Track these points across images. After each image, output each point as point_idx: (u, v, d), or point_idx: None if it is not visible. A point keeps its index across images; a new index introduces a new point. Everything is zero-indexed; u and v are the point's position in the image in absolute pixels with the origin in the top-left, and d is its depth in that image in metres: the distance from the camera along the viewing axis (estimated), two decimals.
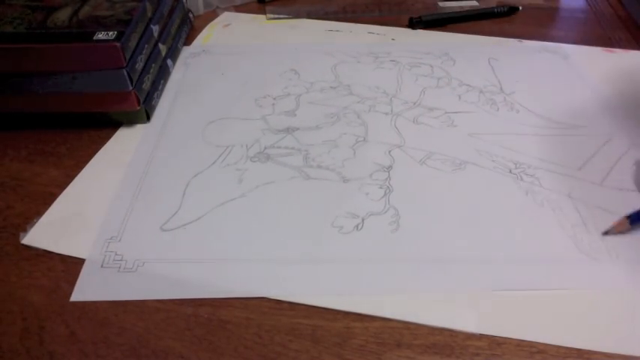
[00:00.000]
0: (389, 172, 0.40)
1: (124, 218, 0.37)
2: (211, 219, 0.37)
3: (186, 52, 0.58)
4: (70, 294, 0.32)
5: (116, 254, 0.34)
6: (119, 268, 0.33)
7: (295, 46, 0.59)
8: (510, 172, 0.40)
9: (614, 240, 0.34)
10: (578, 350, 0.28)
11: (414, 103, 0.48)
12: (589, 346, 0.28)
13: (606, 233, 0.35)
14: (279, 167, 0.41)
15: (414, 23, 0.61)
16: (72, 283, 0.32)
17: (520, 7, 0.65)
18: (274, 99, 0.50)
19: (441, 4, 0.68)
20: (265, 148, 0.43)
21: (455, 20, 0.62)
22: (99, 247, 0.35)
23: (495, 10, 0.63)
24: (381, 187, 0.39)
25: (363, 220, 0.36)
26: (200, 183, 0.40)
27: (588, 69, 0.54)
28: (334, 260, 0.33)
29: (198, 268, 0.33)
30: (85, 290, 0.32)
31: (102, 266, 0.33)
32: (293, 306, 0.31)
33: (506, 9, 0.63)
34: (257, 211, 0.37)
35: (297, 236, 0.35)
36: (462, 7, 0.66)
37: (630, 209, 0.36)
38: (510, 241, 0.35)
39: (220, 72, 0.54)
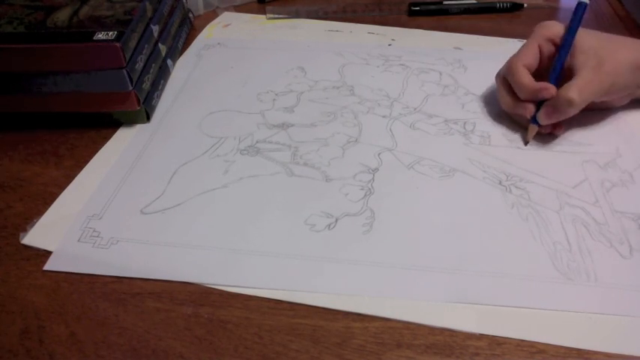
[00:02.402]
0: (374, 174, 0.40)
1: (109, 198, 0.38)
2: (190, 206, 0.37)
3: (199, 43, 0.59)
4: (71, 294, 0.32)
5: (94, 231, 0.35)
6: (94, 244, 0.34)
7: (308, 44, 0.59)
8: (500, 183, 0.39)
9: (594, 262, 0.33)
10: (578, 350, 0.28)
11: (415, 109, 0.47)
12: (589, 346, 0.28)
13: (527, 143, 0.42)
14: (266, 162, 0.41)
15: (413, 11, 0.60)
16: (72, 282, 0.32)
17: (525, 5, 0.64)
18: (276, 94, 0.50)
19: (444, 2, 0.68)
20: (257, 141, 0.43)
21: (455, 13, 0.61)
22: (79, 223, 0.36)
23: (497, 5, 0.62)
24: (362, 189, 0.39)
25: (336, 219, 0.36)
26: (187, 171, 0.40)
27: None
28: (300, 257, 0.33)
29: (166, 251, 0.34)
30: (59, 262, 0.33)
31: (79, 241, 0.35)
32: (293, 306, 0.31)
33: (509, 5, 0.62)
34: (235, 202, 0.38)
35: (267, 230, 0.35)
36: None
37: (624, 233, 0.34)
38: (485, 253, 0.33)
39: (230, 65, 0.54)
